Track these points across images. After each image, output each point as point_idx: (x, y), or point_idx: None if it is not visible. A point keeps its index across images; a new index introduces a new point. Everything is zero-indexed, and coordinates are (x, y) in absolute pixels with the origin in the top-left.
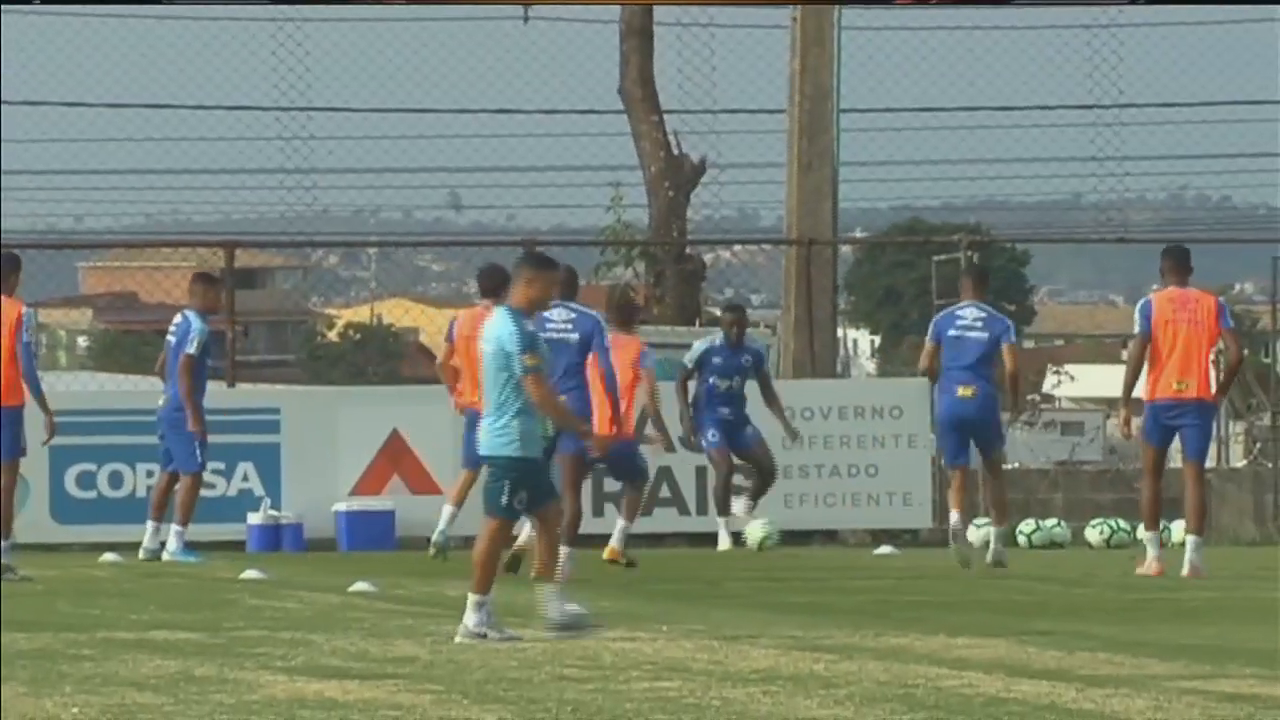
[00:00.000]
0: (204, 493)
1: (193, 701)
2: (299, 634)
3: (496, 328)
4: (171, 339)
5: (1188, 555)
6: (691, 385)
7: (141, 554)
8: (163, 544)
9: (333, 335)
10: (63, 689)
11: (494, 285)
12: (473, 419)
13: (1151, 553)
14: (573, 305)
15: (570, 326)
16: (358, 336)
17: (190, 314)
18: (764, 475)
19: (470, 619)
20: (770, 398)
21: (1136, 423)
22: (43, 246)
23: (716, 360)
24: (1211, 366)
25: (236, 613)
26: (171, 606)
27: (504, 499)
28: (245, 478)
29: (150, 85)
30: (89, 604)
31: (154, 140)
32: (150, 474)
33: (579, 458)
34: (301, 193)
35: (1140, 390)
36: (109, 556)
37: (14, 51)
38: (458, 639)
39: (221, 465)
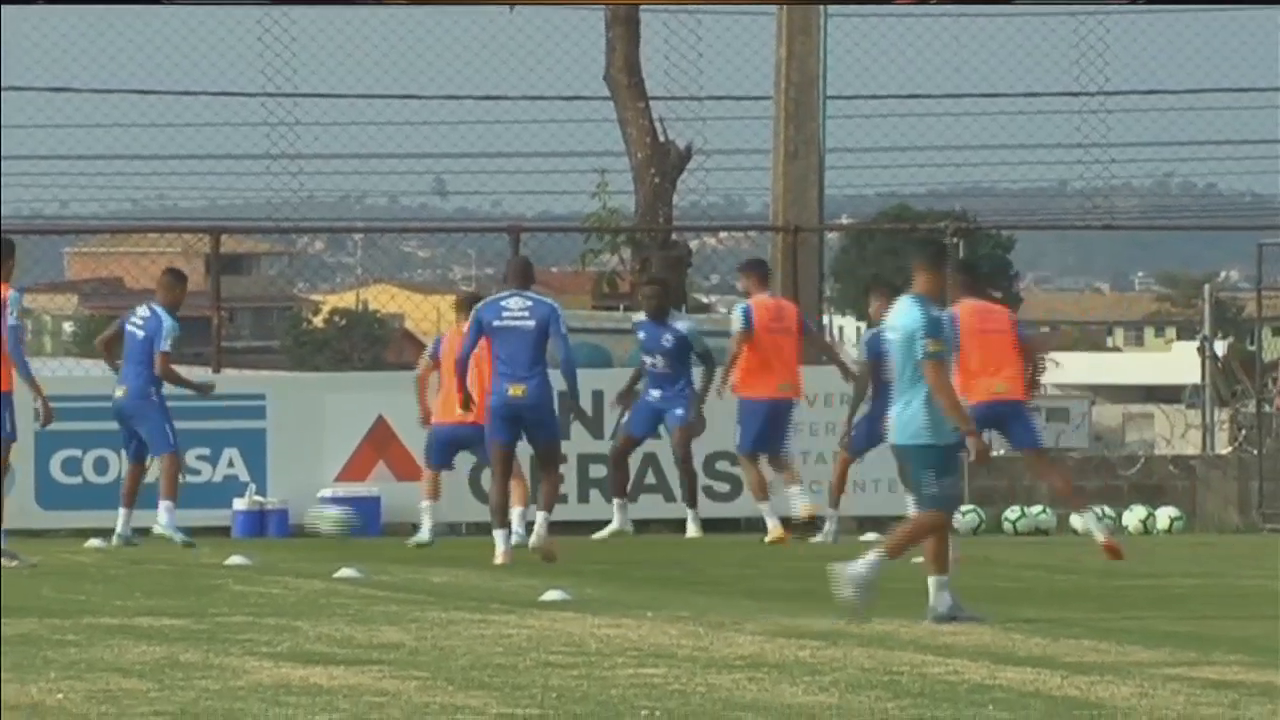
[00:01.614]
0: (190, 479)
1: (178, 687)
2: (284, 620)
3: (903, 315)
4: (138, 332)
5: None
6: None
7: (115, 540)
8: (136, 530)
9: (318, 321)
10: (48, 675)
11: (473, 304)
12: (445, 434)
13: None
14: (529, 293)
15: (526, 314)
16: (343, 322)
17: (159, 309)
18: (680, 464)
19: (936, 600)
20: (709, 372)
21: None
22: (28, 232)
23: (641, 335)
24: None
25: (221, 599)
26: (156, 592)
27: (932, 489)
28: (230, 464)
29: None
30: (74, 590)
31: (140, 126)
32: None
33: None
34: (287, 178)
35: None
36: (94, 542)
37: None
38: (928, 621)
39: (207, 451)
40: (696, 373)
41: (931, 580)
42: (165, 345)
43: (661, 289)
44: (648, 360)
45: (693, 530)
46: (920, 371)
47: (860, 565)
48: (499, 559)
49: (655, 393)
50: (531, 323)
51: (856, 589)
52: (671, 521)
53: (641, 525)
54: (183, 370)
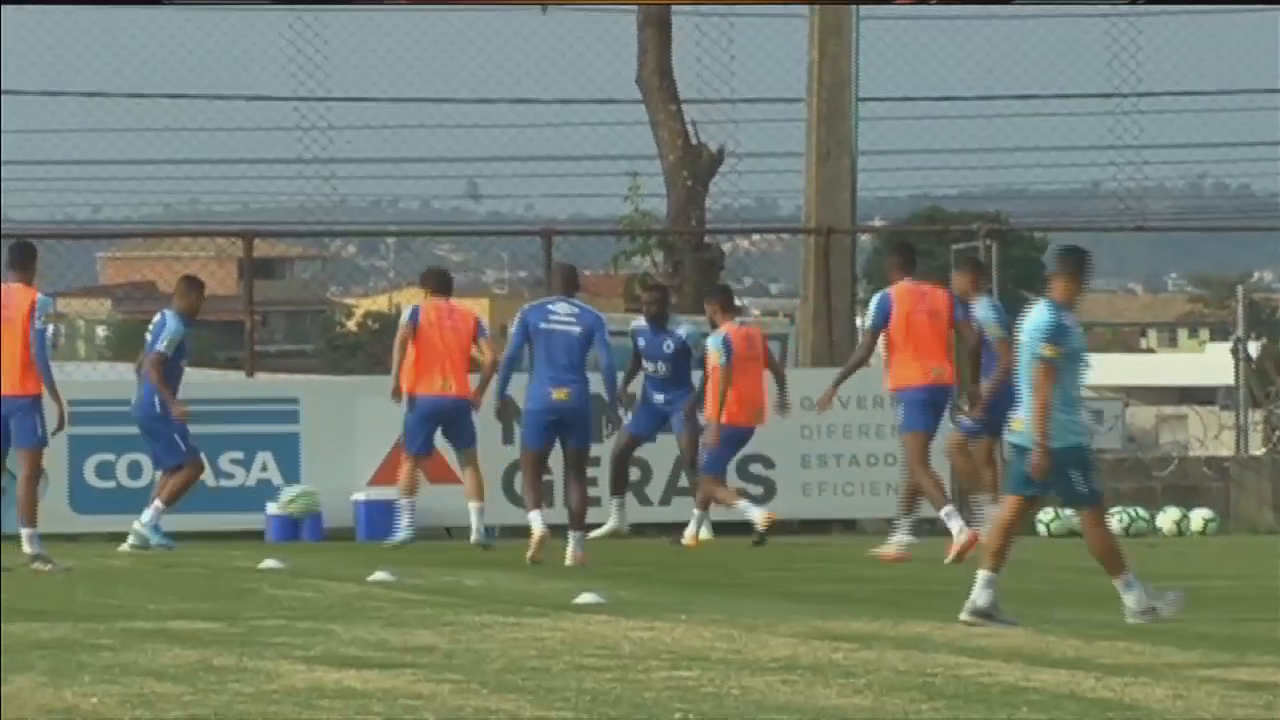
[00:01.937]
0: (223, 482)
1: (211, 691)
2: (318, 623)
3: (1034, 318)
4: (149, 338)
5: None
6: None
7: (135, 526)
8: (156, 531)
9: (351, 325)
10: (82, 679)
11: (448, 285)
12: (422, 405)
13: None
14: (575, 300)
15: (574, 320)
16: (376, 326)
17: (169, 314)
18: (688, 468)
19: (1128, 599)
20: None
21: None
22: (61, 236)
23: (641, 342)
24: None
25: (255, 602)
26: (190, 596)
27: (1083, 488)
28: (264, 467)
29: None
30: (108, 594)
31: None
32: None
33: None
34: (320, 182)
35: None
36: (127, 546)
37: (32, 42)
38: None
39: (240, 455)
40: (697, 376)
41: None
42: (160, 346)
43: (662, 294)
44: (649, 366)
45: (704, 533)
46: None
47: (984, 599)
48: (535, 537)
49: (659, 396)
50: (578, 329)
51: (985, 619)
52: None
53: (674, 529)
54: (215, 374)
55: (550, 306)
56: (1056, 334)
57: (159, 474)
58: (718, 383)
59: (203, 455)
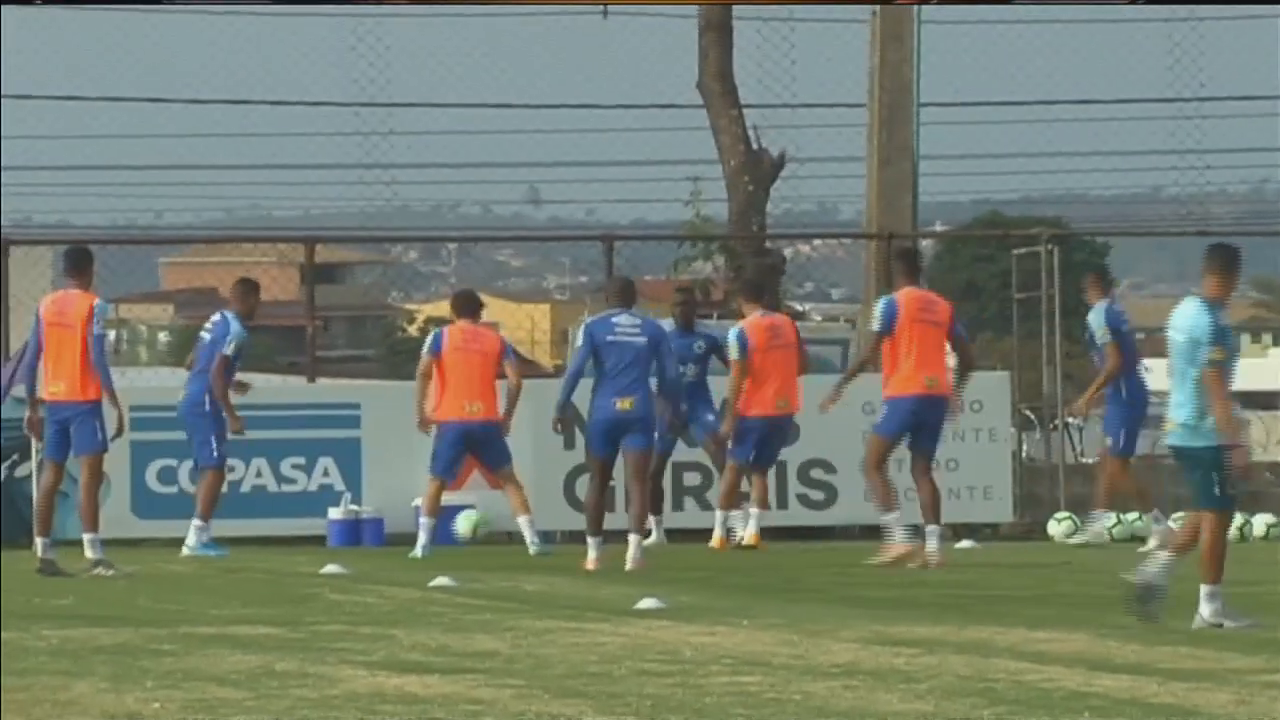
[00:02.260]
0: (285, 488)
1: (273, 696)
2: (379, 629)
3: (1189, 318)
4: (206, 336)
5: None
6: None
7: (185, 551)
8: (207, 548)
9: (413, 330)
10: (144, 684)
11: (475, 308)
12: (450, 430)
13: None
14: (635, 311)
15: (638, 331)
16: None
17: (229, 315)
18: (719, 471)
19: (1205, 609)
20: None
21: None
22: (123, 242)
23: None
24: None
25: (317, 607)
26: (252, 601)
27: (1215, 490)
28: (326, 473)
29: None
30: (169, 599)
31: (234, 136)
32: (232, 469)
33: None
34: (381, 188)
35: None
36: (187, 550)
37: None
38: (1197, 625)
39: (302, 460)
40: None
41: (1204, 589)
42: (228, 349)
43: (690, 297)
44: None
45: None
46: (1201, 378)
47: (1150, 570)
48: (590, 565)
49: (683, 404)
50: (643, 339)
51: (1143, 594)
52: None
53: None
54: (277, 380)
55: (614, 319)
56: (1221, 335)
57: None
58: (735, 376)
59: (228, 463)
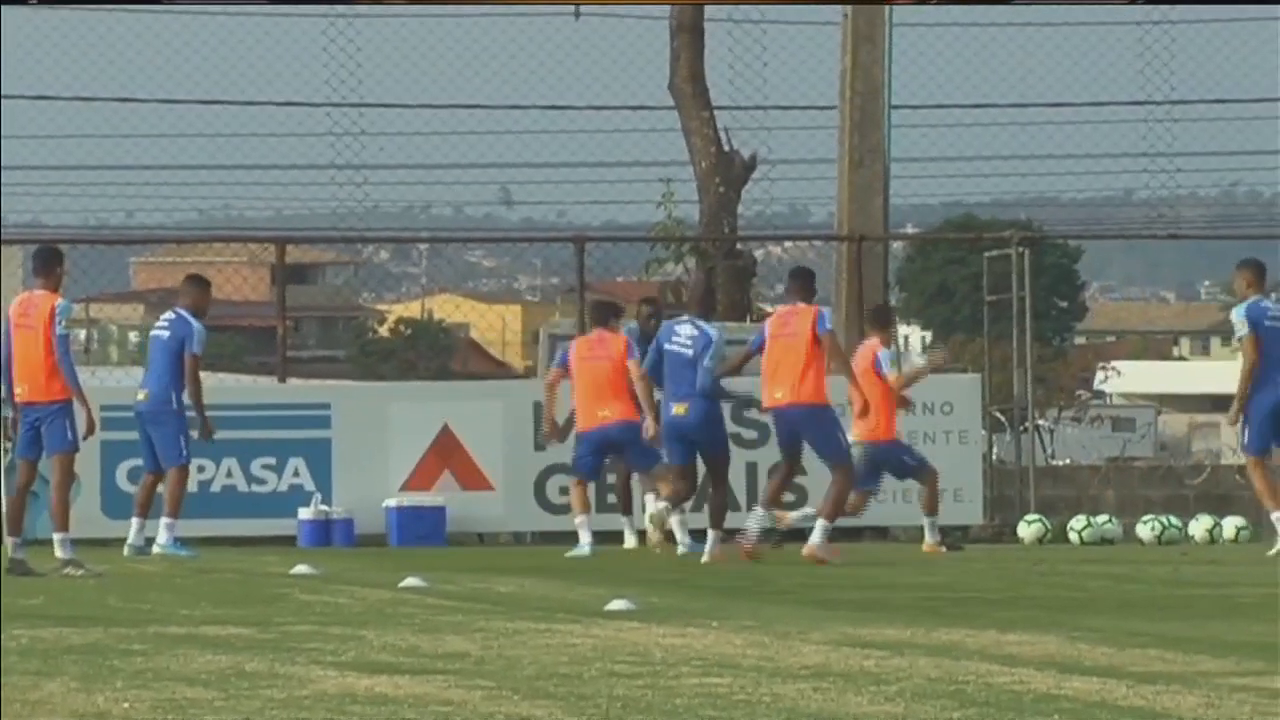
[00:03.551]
0: (255, 488)
1: (243, 696)
2: (350, 629)
3: None
4: (164, 334)
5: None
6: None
7: (126, 550)
8: (148, 540)
9: (384, 331)
10: (114, 684)
11: (605, 316)
12: (589, 437)
13: None
14: (699, 321)
15: (691, 343)
16: (408, 332)
17: (185, 313)
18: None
19: None
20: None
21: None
22: (94, 242)
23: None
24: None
25: (287, 608)
26: (222, 602)
27: None
28: (296, 473)
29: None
30: (140, 599)
31: (205, 136)
32: (201, 469)
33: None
34: (353, 188)
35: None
36: (158, 549)
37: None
38: None
39: (272, 460)
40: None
41: None
42: (197, 349)
43: (656, 310)
44: None
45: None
46: None
47: None
48: (707, 558)
49: None
50: (691, 351)
51: None
52: (734, 531)
53: (703, 535)
54: (247, 380)
55: (677, 327)
56: None
57: (144, 476)
58: None
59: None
